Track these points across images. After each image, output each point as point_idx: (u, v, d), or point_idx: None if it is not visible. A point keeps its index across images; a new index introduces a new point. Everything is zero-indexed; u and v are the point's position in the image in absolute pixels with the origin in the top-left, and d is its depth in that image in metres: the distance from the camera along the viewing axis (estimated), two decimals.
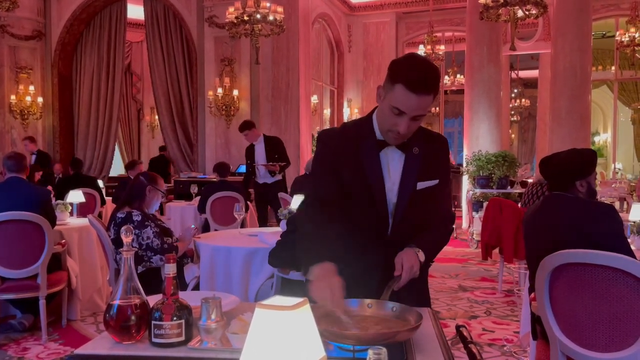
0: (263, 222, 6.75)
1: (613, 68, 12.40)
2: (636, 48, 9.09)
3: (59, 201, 5.00)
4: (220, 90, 9.38)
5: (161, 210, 7.05)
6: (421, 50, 10.39)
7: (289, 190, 6.72)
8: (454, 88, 13.51)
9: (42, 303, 3.86)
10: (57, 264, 4.15)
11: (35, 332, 4.06)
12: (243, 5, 6.53)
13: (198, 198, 6.51)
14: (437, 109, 13.95)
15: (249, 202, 6.40)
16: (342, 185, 1.80)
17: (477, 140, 9.04)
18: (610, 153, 14.34)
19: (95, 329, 4.22)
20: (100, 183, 8.24)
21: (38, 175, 7.70)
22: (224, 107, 9.43)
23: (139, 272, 3.22)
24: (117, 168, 12.25)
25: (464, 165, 8.71)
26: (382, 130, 1.76)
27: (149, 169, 10.55)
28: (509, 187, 7.99)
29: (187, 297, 1.52)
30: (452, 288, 5.53)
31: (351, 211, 1.83)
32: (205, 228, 6.07)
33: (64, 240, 4.39)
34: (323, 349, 0.92)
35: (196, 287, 3.44)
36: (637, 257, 2.33)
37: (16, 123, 10.14)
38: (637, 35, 8.99)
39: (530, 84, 15.55)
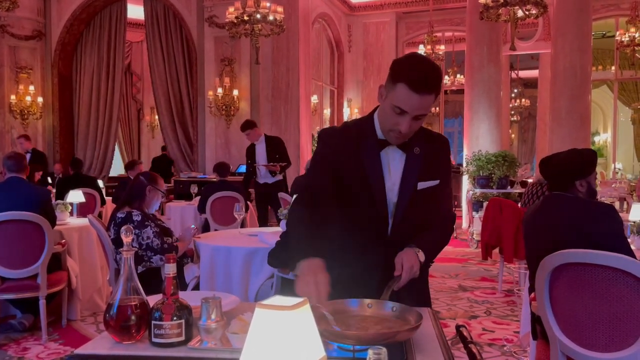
0: (263, 222, 6.75)
1: (613, 68, 12.40)
2: (636, 48, 9.09)
3: (59, 201, 5.00)
4: (220, 90, 9.38)
5: (161, 210, 7.05)
6: (421, 50, 10.38)
7: (289, 190, 6.72)
8: (454, 88, 13.50)
9: (42, 303, 3.86)
10: (57, 264, 4.15)
11: (35, 332, 4.06)
12: (243, 5, 6.53)
13: (198, 198, 6.51)
14: (437, 109, 13.94)
15: (248, 202, 6.40)
16: (342, 184, 1.80)
17: (477, 140, 9.04)
18: (610, 153, 14.34)
19: (95, 329, 4.22)
20: (100, 183, 8.24)
21: (38, 175, 7.69)
22: (224, 107, 9.43)
23: (139, 272, 3.22)
24: (117, 168, 12.25)
25: (464, 165, 8.71)
26: (384, 130, 1.76)
27: (152, 169, 10.58)
28: (509, 187, 7.99)
29: (187, 297, 1.52)
30: (452, 288, 5.53)
31: (351, 211, 1.83)
32: (205, 228, 6.07)
33: (64, 240, 4.39)
34: (323, 349, 0.92)
35: (196, 287, 3.44)
36: (637, 257, 2.33)
37: (16, 123, 10.14)
38: (637, 35, 8.99)
39: (530, 84, 15.55)
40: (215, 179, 6.75)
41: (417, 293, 1.81)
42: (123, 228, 1.52)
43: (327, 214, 1.79)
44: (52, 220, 4.08)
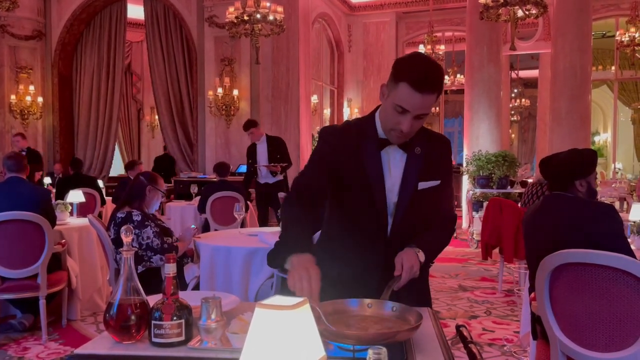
0: (263, 222, 6.75)
1: (613, 68, 12.40)
2: (636, 48, 9.08)
3: (59, 201, 5.00)
4: (220, 90, 9.38)
5: (161, 210, 7.05)
6: (421, 50, 10.37)
7: (290, 190, 6.71)
8: (454, 88, 13.50)
9: (42, 303, 3.86)
10: (57, 263, 4.15)
11: (35, 332, 4.06)
12: (243, 5, 6.53)
13: (198, 198, 6.51)
14: (437, 109, 13.94)
15: (248, 202, 6.40)
16: (342, 184, 1.80)
17: (477, 140, 9.04)
18: (610, 153, 14.34)
19: (95, 329, 4.23)
20: (100, 183, 8.24)
21: (38, 175, 7.70)
22: (224, 107, 9.43)
23: (139, 272, 3.22)
24: (117, 168, 12.26)
25: (464, 165, 8.72)
26: (385, 129, 1.76)
27: (154, 168, 10.58)
28: (509, 187, 7.99)
29: (187, 297, 1.52)
30: (452, 288, 5.53)
31: (351, 210, 1.83)
32: (205, 228, 6.07)
33: (64, 240, 4.39)
34: (323, 349, 0.92)
35: (196, 287, 3.44)
36: (637, 257, 2.33)
37: (16, 123, 10.14)
38: (637, 35, 8.99)
39: (530, 84, 15.55)
40: (215, 179, 6.75)
41: (417, 293, 1.81)
42: (123, 228, 1.52)
43: (318, 212, 1.78)
44: (52, 220, 4.08)
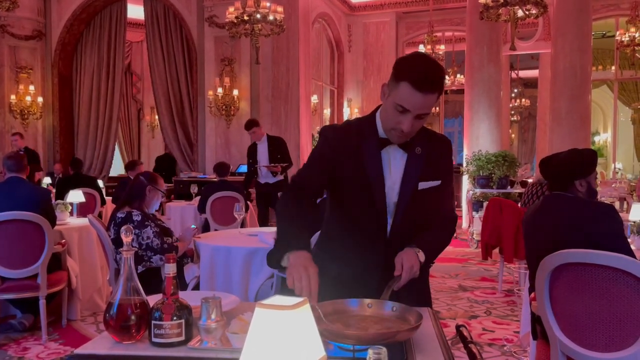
0: (263, 222, 6.74)
1: (613, 68, 12.40)
2: (636, 48, 9.09)
3: (59, 201, 5.00)
4: (220, 90, 9.38)
5: (161, 210, 7.05)
6: (421, 50, 10.38)
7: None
8: (454, 88, 13.49)
9: (42, 303, 3.86)
10: (57, 263, 4.15)
11: (35, 332, 4.06)
12: (243, 5, 6.53)
13: (198, 198, 6.51)
14: (437, 108, 13.94)
15: (248, 202, 6.40)
16: (342, 183, 1.80)
17: (477, 140, 9.04)
18: (610, 153, 14.34)
19: (95, 329, 4.22)
20: (100, 183, 8.24)
21: (38, 175, 7.69)
22: (224, 107, 9.43)
23: (139, 272, 3.22)
24: (117, 168, 12.26)
25: (464, 165, 8.72)
26: (386, 129, 1.75)
27: (155, 167, 10.59)
28: (509, 187, 7.99)
29: (187, 297, 1.52)
30: (452, 288, 5.53)
31: (351, 210, 1.83)
32: (205, 228, 6.07)
33: (64, 240, 4.39)
34: (323, 349, 0.92)
35: (196, 287, 3.44)
36: (637, 257, 2.33)
37: (16, 123, 10.14)
38: (637, 35, 8.99)
39: (530, 84, 15.54)
40: (215, 179, 6.75)
41: (417, 293, 1.81)
42: (123, 228, 1.52)
43: (314, 210, 1.78)
44: (52, 220, 4.07)
